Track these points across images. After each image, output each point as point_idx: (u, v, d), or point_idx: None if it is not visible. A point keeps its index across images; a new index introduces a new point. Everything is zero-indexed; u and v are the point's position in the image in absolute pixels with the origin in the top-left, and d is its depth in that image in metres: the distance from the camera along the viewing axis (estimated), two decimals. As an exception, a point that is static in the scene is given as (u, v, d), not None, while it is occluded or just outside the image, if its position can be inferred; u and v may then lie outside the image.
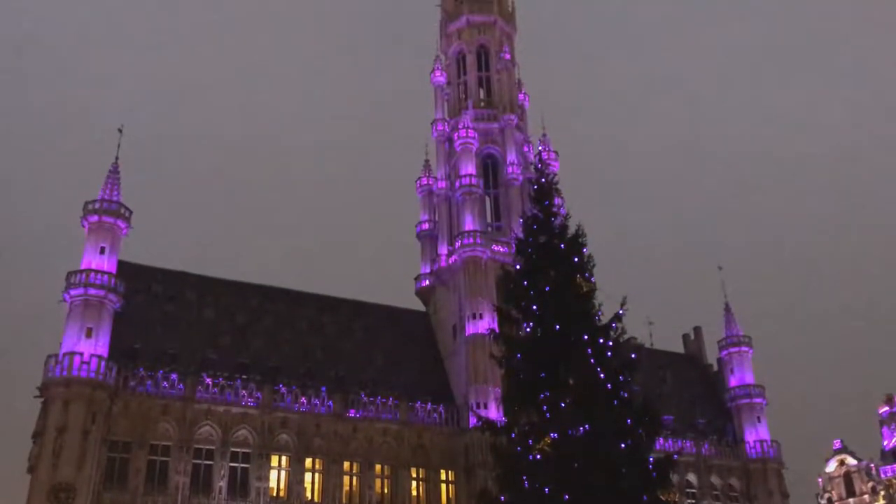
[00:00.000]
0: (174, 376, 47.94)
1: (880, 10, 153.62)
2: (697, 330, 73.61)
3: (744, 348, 66.11)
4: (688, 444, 60.33)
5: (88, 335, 45.75)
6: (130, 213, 50.22)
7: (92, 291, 46.46)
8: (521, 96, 69.65)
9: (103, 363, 45.13)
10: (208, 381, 48.78)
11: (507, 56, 69.38)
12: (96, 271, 47.26)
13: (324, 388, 51.97)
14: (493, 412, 50.74)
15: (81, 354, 44.72)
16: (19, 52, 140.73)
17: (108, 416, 45.30)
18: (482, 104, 67.97)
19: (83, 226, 49.30)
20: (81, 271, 47.20)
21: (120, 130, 52.56)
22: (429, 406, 54.72)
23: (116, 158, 51.86)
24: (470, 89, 69.02)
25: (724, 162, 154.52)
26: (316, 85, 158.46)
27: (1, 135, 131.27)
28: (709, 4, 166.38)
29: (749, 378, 65.25)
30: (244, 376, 50.37)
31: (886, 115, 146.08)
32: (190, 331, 52.77)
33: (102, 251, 48.52)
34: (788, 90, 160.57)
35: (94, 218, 48.95)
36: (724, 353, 66.92)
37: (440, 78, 69.40)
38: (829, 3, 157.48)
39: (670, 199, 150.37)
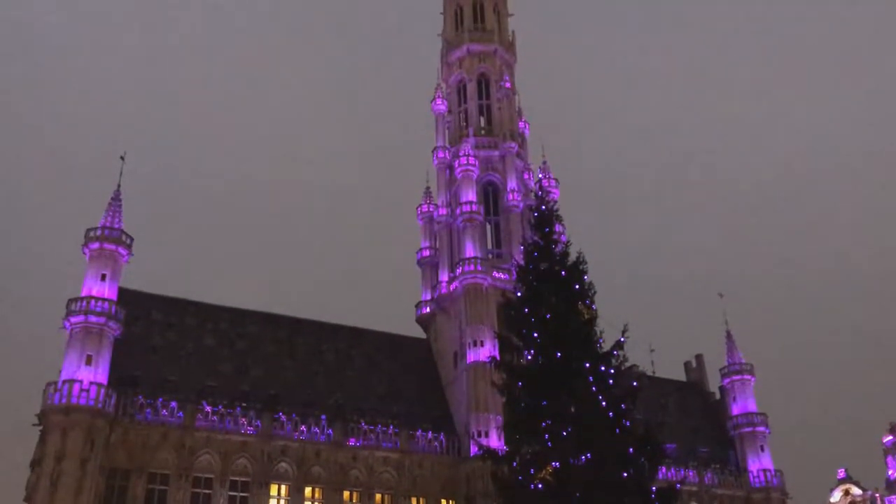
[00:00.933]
0: (174, 404, 47.67)
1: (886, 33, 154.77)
2: (699, 357, 73.30)
3: (746, 376, 65.77)
4: (690, 474, 59.77)
5: (88, 362, 45.56)
6: (132, 240, 50.26)
7: (92, 319, 46.34)
8: (521, 124, 70.02)
9: (102, 391, 44.89)
10: (208, 408, 48.49)
11: (508, 85, 69.84)
12: (97, 298, 47.16)
13: (324, 417, 51.65)
14: (495, 441, 50.42)
15: (81, 382, 44.49)
16: (23, 80, 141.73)
17: (107, 444, 44.95)
18: (483, 132, 68.32)
19: (84, 253, 49.31)
20: (82, 298, 47.12)
21: (122, 158, 52.81)
22: (429, 435, 54.35)
23: (118, 186, 52.05)
24: (471, 117, 69.41)
25: (726, 188, 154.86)
26: (317, 113, 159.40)
27: (2, 161, 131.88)
28: (709, 29, 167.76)
29: (752, 406, 64.86)
30: (244, 404, 50.10)
31: (890, 134, 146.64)
32: (190, 358, 52.59)
33: (103, 278, 48.47)
34: (791, 113, 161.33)
35: (96, 245, 48.95)
36: (727, 380, 66.58)
37: (441, 106, 69.83)
38: (833, 25, 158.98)
39: (671, 226, 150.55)
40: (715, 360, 69.14)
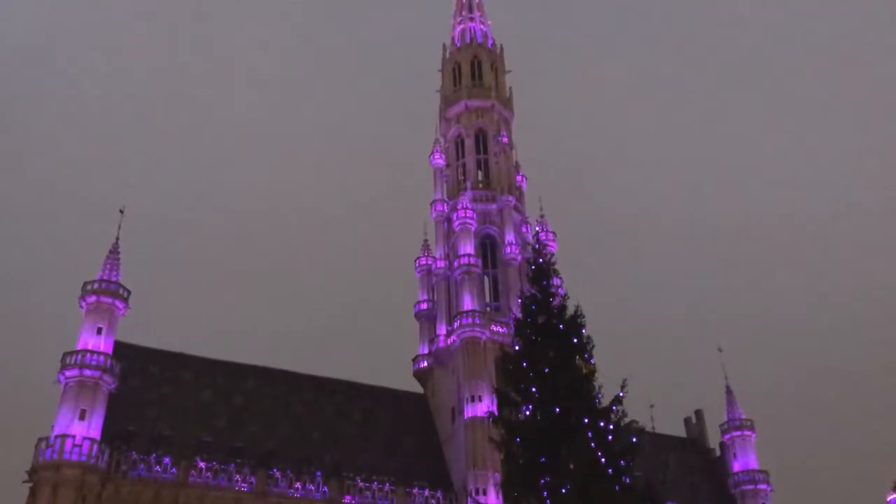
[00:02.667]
0: (167, 460, 47.04)
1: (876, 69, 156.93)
2: (699, 413, 72.65)
3: (746, 432, 65.12)
4: (692, 532, 58.76)
5: (82, 417, 45.11)
6: (129, 293, 50.18)
7: (87, 373, 46.00)
8: (518, 178, 70.71)
9: (95, 446, 44.34)
10: (202, 465, 47.83)
11: (505, 139, 70.71)
12: (92, 352, 46.89)
13: (319, 473, 50.93)
14: (493, 498, 49.59)
15: (73, 437, 43.97)
16: (23, 129, 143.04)
17: (99, 501, 44.20)
18: (480, 185, 68.93)
19: (81, 306, 49.19)
20: (77, 352, 46.83)
21: (121, 211, 53.10)
22: (426, 492, 53.51)
23: (117, 239, 52.17)
24: (469, 171, 70.08)
25: (725, 240, 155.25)
26: (315, 167, 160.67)
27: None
28: (705, 75, 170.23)
29: (753, 463, 64.06)
30: (238, 460, 49.45)
31: (884, 175, 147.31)
32: (185, 413, 52.06)
33: (99, 332, 48.28)
34: (789, 165, 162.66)
35: (92, 298, 48.87)
36: (727, 437, 65.90)
37: (439, 160, 70.58)
38: (817, 63, 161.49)
39: (670, 279, 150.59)
40: (715, 416, 68.58)
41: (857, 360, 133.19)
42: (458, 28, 77.72)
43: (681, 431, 72.49)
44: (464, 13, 78.48)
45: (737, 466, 64.24)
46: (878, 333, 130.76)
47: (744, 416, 65.76)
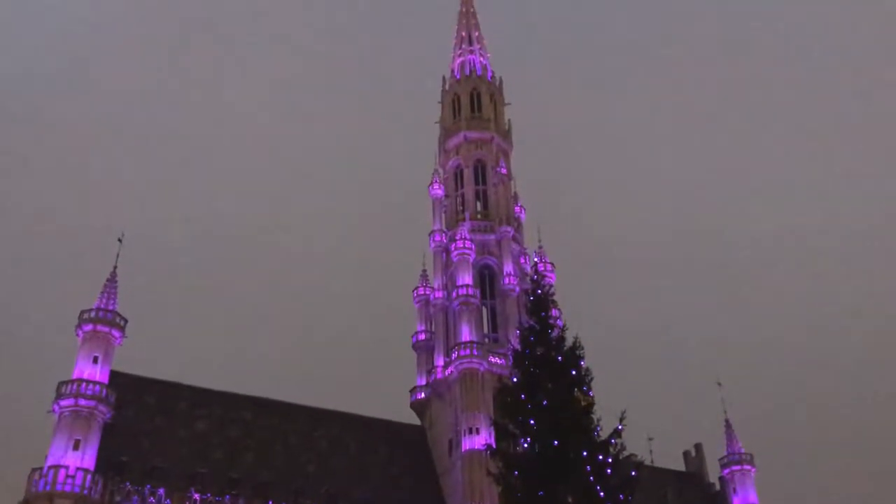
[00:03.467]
0: (161, 491, 46.61)
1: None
2: (698, 447, 72.06)
3: (746, 466, 64.61)
4: (692, 568, 58.04)
5: (76, 447, 44.74)
6: (126, 322, 49.99)
7: (82, 402, 45.69)
8: (517, 209, 70.93)
9: (89, 477, 43.92)
10: (196, 496, 47.34)
11: (504, 171, 71.03)
12: (88, 381, 46.61)
13: (315, 506, 50.39)
14: (490, 532, 49.03)
15: (67, 468, 43.56)
16: (20, 155, 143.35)
17: (91, 533, 43.66)
18: (479, 216, 69.10)
19: (77, 335, 48.98)
20: (72, 381, 46.56)
21: (120, 240, 53.03)
22: (423, 525, 52.91)
23: (115, 268, 52.08)
24: (467, 202, 70.28)
25: (724, 272, 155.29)
26: (313, 197, 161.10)
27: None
28: (700, 105, 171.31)
29: (752, 498, 63.45)
30: (234, 492, 48.96)
31: (888, 201, 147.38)
32: (181, 444, 51.62)
33: (95, 361, 48.04)
34: (792, 194, 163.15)
35: (89, 327, 48.68)
36: (726, 471, 65.36)
37: (438, 190, 70.83)
38: (824, 91, 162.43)
39: (668, 311, 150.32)
40: (715, 450, 68.05)
41: (859, 393, 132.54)
42: (458, 60, 78.44)
43: (680, 465, 71.88)
44: (463, 46, 79.26)
45: (737, 501, 63.65)
46: (881, 365, 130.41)
47: (743, 451, 65.28)
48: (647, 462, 65.36)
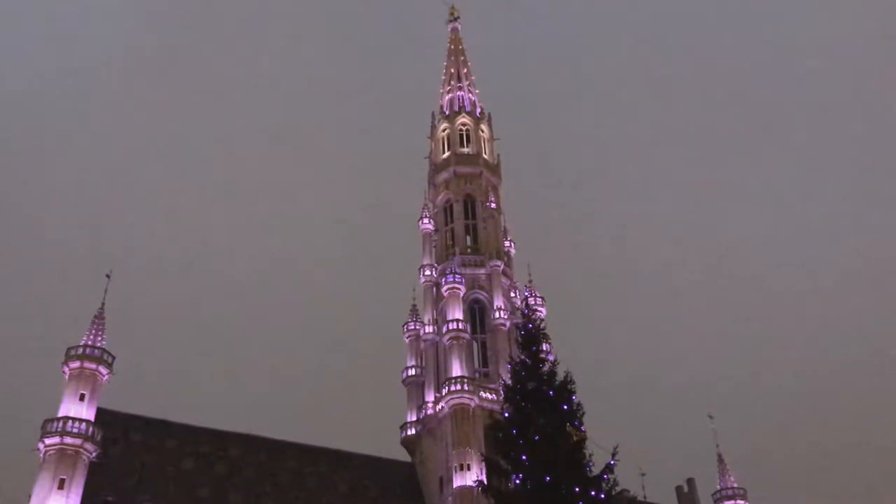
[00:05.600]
0: (147, 531, 45.79)
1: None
2: (691, 482, 71.59)
3: (739, 501, 64.14)
4: None
5: (61, 487, 44.02)
6: (113, 358, 49.49)
7: (68, 440, 45.05)
8: (506, 243, 71.11)
9: (74, 517, 43.15)
10: (183, 536, 46.54)
11: (493, 205, 71.29)
12: (74, 419, 46.00)
13: (304, 545, 49.60)
14: (482, 570, 48.30)
15: (51, 508, 42.80)
16: (7, 189, 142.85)
17: (75, 576, 42.81)
18: (469, 251, 69.18)
19: (63, 372, 48.45)
20: (58, 419, 45.93)
21: (108, 276, 52.68)
22: (414, 564, 52.12)
23: (102, 304, 51.67)
24: (457, 236, 70.41)
25: (715, 304, 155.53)
26: (301, 232, 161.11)
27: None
28: (698, 130, 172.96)
29: (746, 533, 62.96)
30: (221, 531, 48.15)
31: (885, 237, 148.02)
32: (167, 483, 50.80)
33: (82, 398, 47.44)
34: (776, 226, 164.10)
35: (76, 364, 48.14)
36: (720, 506, 64.87)
37: (428, 225, 71.00)
38: (812, 131, 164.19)
39: (660, 345, 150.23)
40: (707, 484, 67.60)
41: (854, 426, 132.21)
42: (447, 96, 79.17)
43: (672, 500, 71.32)
44: (452, 82, 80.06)
45: (730, 537, 63.08)
46: (873, 400, 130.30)
47: (736, 485, 64.85)
48: (640, 497, 64.87)
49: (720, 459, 66.38)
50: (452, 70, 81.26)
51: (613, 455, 26.71)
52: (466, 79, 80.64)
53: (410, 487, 59.89)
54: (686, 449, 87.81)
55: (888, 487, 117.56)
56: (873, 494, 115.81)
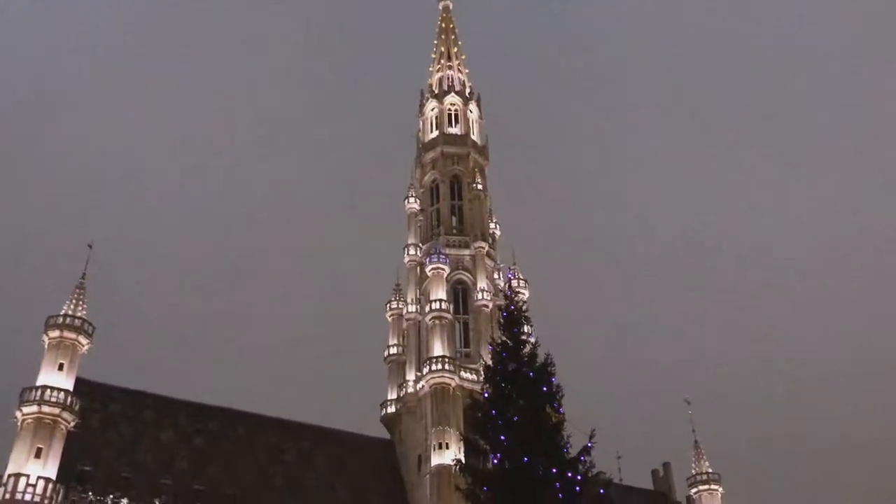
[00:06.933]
0: (124, 502, 45.76)
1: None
2: (666, 466, 72.33)
3: (713, 486, 64.82)
4: (658, 587, 58.07)
5: (38, 456, 43.89)
6: (93, 329, 49.25)
7: (46, 409, 44.89)
8: (492, 225, 71.04)
9: (51, 486, 43.05)
10: (160, 508, 46.59)
11: (480, 187, 71.14)
12: (52, 388, 45.80)
13: (281, 520, 49.82)
14: (457, 548, 48.70)
15: (28, 476, 42.69)
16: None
17: (51, 544, 42.79)
18: (454, 231, 69.12)
19: (43, 341, 48.16)
20: (36, 388, 45.72)
21: (90, 246, 52.33)
22: (390, 540, 52.50)
23: (83, 274, 51.36)
24: (442, 217, 70.29)
25: (696, 289, 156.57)
26: (286, 208, 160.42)
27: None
28: (688, 122, 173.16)
29: (719, 517, 63.74)
30: (199, 504, 48.25)
31: (868, 229, 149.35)
32: (145, 454, 50.82)
33: (61, 368, 47.25)
34: (756, 214, 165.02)
35: (55, 333, 47.87)
36: (694, 490, 65.55)
37: (413, 205, 70.81)
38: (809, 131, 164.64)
39: (640, 329, 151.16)
40: (683, 469, 68.32)
41: (828, 414, 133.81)
42: (437, 75, 78.70)
43: (648, 484, 72.08)
44: (442, 61, 79.55)
45: (704, 521, 63.86)
46: (850, 391, 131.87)
47: (711, 471, 65.56)
48: (616, 480, 65.39)
49: (696, 445, 67.04)
50: (443, 49, 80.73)
51: (591, 438, 26.90)
52: (457, 58, 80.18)
53: (389, 465, 60.18)
54: (663, 434, 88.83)
55: (863, 476, 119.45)
56: (849, 483, 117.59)
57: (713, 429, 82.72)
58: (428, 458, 55.69)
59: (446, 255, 64.69)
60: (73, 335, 48.12)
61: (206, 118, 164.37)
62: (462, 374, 58.96)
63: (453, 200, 71.34)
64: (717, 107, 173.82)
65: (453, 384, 57.65)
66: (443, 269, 63.46)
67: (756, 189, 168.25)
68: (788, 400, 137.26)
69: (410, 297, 66.45)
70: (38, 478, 42.88)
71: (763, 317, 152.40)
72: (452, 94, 76.31)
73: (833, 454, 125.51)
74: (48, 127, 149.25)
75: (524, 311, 30.38)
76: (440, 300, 61.45)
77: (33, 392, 45.55)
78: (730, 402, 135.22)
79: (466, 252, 67.16)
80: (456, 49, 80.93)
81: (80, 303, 49.75)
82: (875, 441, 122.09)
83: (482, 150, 75.07)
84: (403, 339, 65.65)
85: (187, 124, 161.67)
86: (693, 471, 66.00)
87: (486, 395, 28.71)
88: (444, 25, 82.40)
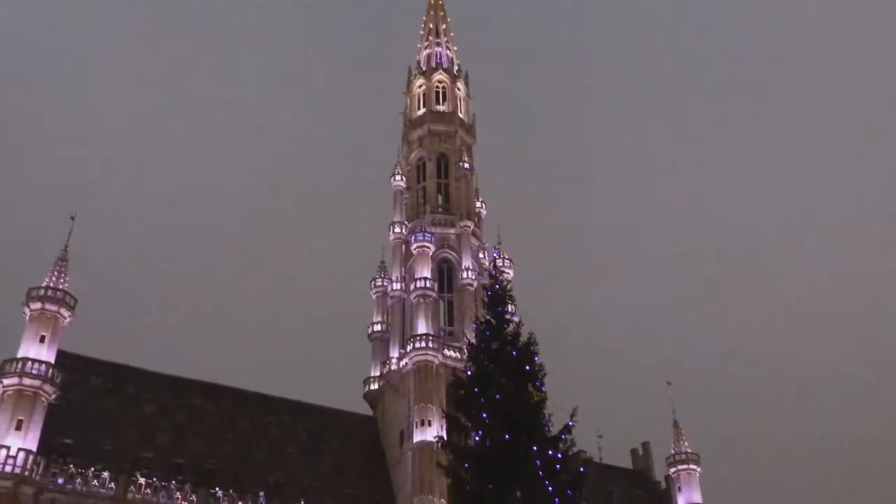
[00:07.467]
0: (105, 474, 45.74)
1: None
2: (646, 445, 73.10)
3: (692, 466, 65.52)
4: (635, 565, 58.84)
5: (18, 428, 43.72)
6: (76, 301, 48.94)
7: (27, 381, 44.65)
8: (478, 204, 71.03)
9: (31, 458, 42.96)
10: (141, 481, 46.62)
11: (466, 165, 71.02)
12: (33, 360, 45.57)
13: (262, 495, 49.95)
14: (438, 524, 49.17)
15: (8, 448, 42.56)
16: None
17: (31, 516, 42.75)
18: (440, 210, 69.06)
19: (24, 313, 47.84)
20: (17, 360, 45.48)
21: (72, 218, 51.84)
22: (371, 516, 52.88)
23: (66, 246, 50.94)
24: (429, 195, 70.15)
25: (678, 273, 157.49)
26: (272, 185, 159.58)
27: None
28: (669, 97, 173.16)
29: (696, 497, 64.40)
30: (180, 477, 48.31)
31: (849, 218, 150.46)
32: (127, 427, 50.79)
33: (42, 340, 46.96)
34: (743, 194, 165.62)
35: (37, 305, 47.54)
36: (673, 470, 66.27)
37: (400, 182, 70.59)
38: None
39: (623, 311, 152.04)
40: (663, 449, 69.05)
41: (806, 398, 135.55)
42: (425, 52, 78.23)
43: (627, 463, 72.87)
44: (430, 37, 79.04)
45: (681, 500, 64.55)
46: (829, 376, 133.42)
47: (690, 451, 66.28)
48: (596, 459, 66.03)
49: (676, 425, 67.67)
50: (431, 25, 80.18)
51: (572, 416, 27.05)
52: (445, 35, 79.67)
53: (371, 441, 60.48)
54: (643, 414, 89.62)
55: (841, 457, 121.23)
56: (826, 469, 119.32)
57: (693, 410, 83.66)
58: (410, 435, 55.98)
59: (432, 234, 64.70)
60: (54, 307, 47.81)
61: (188, 88, 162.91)
62: (445, 352, 59.18)
63: (440, 179, 71.19)
64: (710, 84, 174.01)
65: (437, 362, 57.86)
66: (428, 248, 63.46)
67: (742, 175, 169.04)
68: (767, 383, 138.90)
69: (395, 274, 66.47)
70: (19, 450, 42.76)
71: (745, 299, 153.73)
72: (440, 71, 75.93)
73: (810, 436, 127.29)
74: (29, 100, 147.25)
75: (509, 291, 30.39)
76: (425, 278, 61.50)
77: (14, 364, 45.31)
78: (710, 383, 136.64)
79: (452, 231, 67.17)
80: (444, 26, 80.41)
81: (62, 275, 49.36)
82: (854, 422, 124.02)
83: (469, 129, 74.84)
84: (387, 317, 65.73)
85: (168, 94, 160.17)
86: (672, 451, 66.71)
87: (469, 373, 28.79)
88: (432, 1, 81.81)
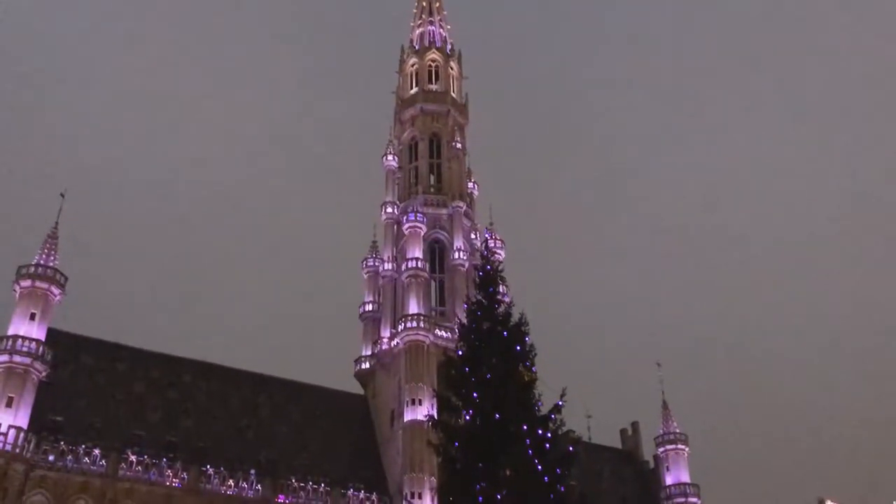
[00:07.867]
0: (96, 451, 45.88)
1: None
2: (635, 425, 73.64)
3: (680, 446, 66.13)
4: (623, 542, 59.42)
5: (9, 405, 43.79)
6: (66, 279, 48.82)
7: (17, 359, 44.65)
8: (470, 185, 70.86)
9: (22, 435, 43.03)
10: (132, 458, 46.77)
11: (459, 146, 70.79)
12: (24, 338, 45.53)
13: (253, 472, 50.22)
14: (428, 503, 49.49)
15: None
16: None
17: (22, 492, 42.83)
18: (432, 190, 68.91)
19: (14, 291, 47.71)
20: (7, 337, 45.47)
21: (62, 195, 51.66)
22: (361, 494, 53.22)
23: (56, 223, 50.75)
24: (421, 175, 69.97)
25: (668, 252, 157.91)
26: (263, 164, 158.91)
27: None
28: (655, 74, 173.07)
29: (685, 477, 65.09)
30: (171, 455, 48.48)
31: (842, 200, 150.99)
32: (118, 405, 50.87)
33: (32, 318, 46.90)
34: (741, 181, 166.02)
35: (27, 283, 47.44)
36: (661, 450, 66.87)
37: (392, 162, 70.35)
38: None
39: (614, 292, 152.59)
40: (651, 429, 69.64)
41: (791, 383, 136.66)
42: (418, 31, 77.71)
43: (616, 442, 73.42)
44: (424, 16, 78.49)
45: (669, 479, 65.23)
46: (819, 357, 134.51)
47: (678, 431, 66.84)
48: (585, 438, 66.61)
49: (665, 405, 68.19)
50: (424, 3, 79.59)
51: (562, 396, 27.19)
52: (438, 13, 79.10)
53: (362, 419, 60.75)
54: (632, 395, 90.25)
55: (824, 436, 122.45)
56: (814, 449, 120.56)
57: (682, 390, 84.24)
58: (401, 414, 56.24)
59: (424, 214, 64.61)
60: (45, 285, 47.70)
61: (179, 69, 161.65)
62: (437, 331, 59.31)
63: (432, 159, 70.96)
64: (703, 60, 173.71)
65: (428, 341, 58.02)
66: (420, 228, 63.42)
67: (734, 151, 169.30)
68: (756, 365, 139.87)
69: (387, 254, 66.44)
70: (10, 427, 42.82)
71: (735, 280, 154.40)
72: (433, 50, 75.46)
73: (798, 417, 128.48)
74: (19, 79, 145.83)
75: (500, 271, 30.46)
76: (416, 258, 61.52)
77: (4, 341, 45.29)
78: (699, 364, 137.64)
79: (444, 211, 67.06)
80: (438, 4, 79.82)
81: (53, 252, 49.23)
82: (839, 402, 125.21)
83: (462, 109, 74.47)
84: (379, 296, 65.78)
85: (159, 74, 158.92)
86: (661, 430, 67.26)
87: (459, 352, 28.88)
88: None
